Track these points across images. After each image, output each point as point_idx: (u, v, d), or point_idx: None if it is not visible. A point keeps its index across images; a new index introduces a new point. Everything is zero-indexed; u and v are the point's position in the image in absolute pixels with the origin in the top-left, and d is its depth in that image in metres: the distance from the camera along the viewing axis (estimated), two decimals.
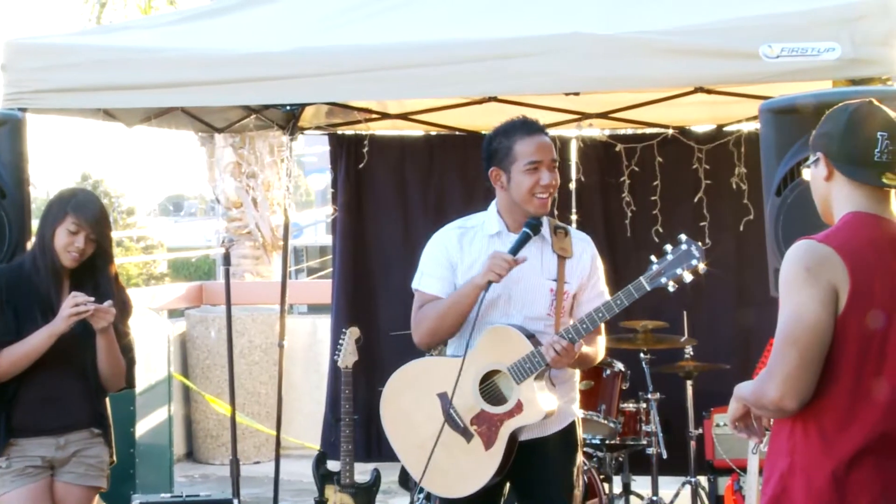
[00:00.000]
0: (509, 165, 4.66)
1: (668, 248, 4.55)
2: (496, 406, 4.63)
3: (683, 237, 4.55)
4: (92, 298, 4.70)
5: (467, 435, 4.62)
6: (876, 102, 3.56)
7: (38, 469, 4.78)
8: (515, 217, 4.71)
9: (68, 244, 4.79)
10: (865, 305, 3.27)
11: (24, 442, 4.77)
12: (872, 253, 3.35)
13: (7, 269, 4.98)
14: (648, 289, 4.55)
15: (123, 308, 4.94)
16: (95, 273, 4.89)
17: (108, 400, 5.01)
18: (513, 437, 4.63)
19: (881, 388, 3.28)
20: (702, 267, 4.47)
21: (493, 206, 4.83)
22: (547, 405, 4.66)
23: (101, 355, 4.82)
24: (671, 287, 4.52)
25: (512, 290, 4.66)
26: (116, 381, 4.94)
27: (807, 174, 3.61)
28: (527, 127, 4.72)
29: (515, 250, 4.59)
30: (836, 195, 3.50)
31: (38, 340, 4.70)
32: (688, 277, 4.51)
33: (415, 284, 4.85)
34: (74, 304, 4.65)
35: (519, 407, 4.61)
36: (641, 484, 7.16)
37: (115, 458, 5.00)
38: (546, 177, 4.63)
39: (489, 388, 4.66)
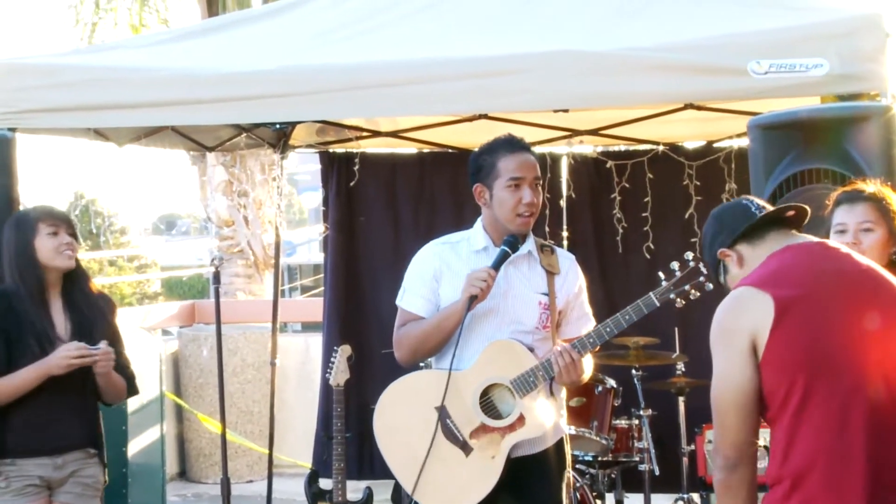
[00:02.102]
0: (492, 182, 4.67)
1: (676, 265, 4.58)
2: (497, 420, 4.62)
3: (690, 255, 4.58)
4: (97, 349, 4.74)
5: (466, 449, 4.61)
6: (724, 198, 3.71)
7: (36, 488, 4.78)
8: (500, 233, 4.72)
9: (57, 245, 4.82)
10: (794, 325, 3.27)
11: (21, 462, 4.76)
12: (797, 269, 3.37)
13: None
14: (658, 305, 4.58)
15: (115, 333, 4.95)
16: (81, 290, 4.92)
17: (102, 420, 5.01)
18: (511, 450, 4.63)
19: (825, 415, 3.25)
20: (709, 286, 4.49)
21: (479, 222, 4.83)
22: (548, 419, 4.66)
23: (101, 383, 4.87)
24: (679, 303, 4.55)
25: (500, 304, 4.66)
26: (118, 398, 5.01)
27: (730, 282, 3.58)
28: (510, 145, 4.74)
29: (496, 266, 4.61)
30: (753, 265, 3.49)
31: (29, 377, 4.71)
32: (695, 295, 4.53)
33: (398, 301, 4.86)
34: (77, 357, 4.69)
35: (521, 420, 4.61)
36: (634, 501, 7.16)
37: (107, 478, 4.99)
38: (528, 195, 4.64)
39: (487, 401, 4.65)
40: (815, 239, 3.49)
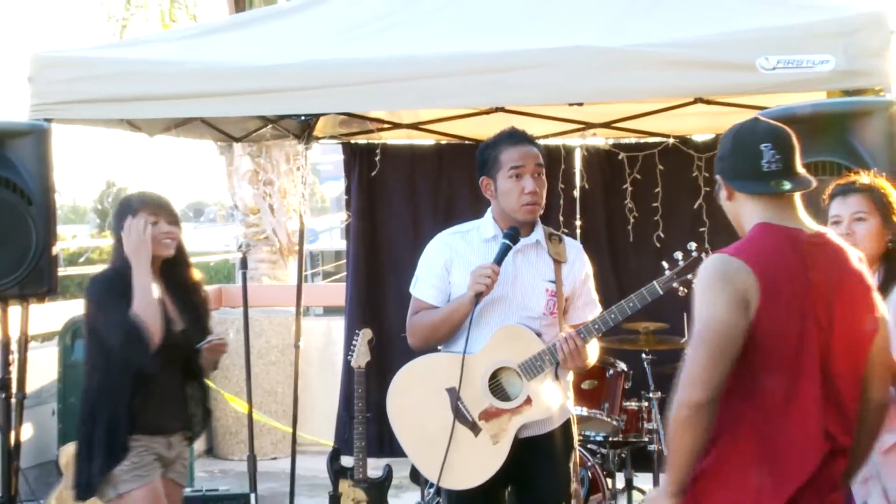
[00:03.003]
0: (496, 174, 4.70)
1: (679, 255, 4.58)
2: (505, 401, 4.63)
3: (693, 245, 4.59)
4: (219, 340, 4.93)
5: (475, 429, 4.62)
6: (761, 118, 3.60)
7: (158, 464, 4.86)
8: (508, 222, 4.73)
9: (157, 234, 4.84)
10: (776, 311, 3.32)
11: (145, 440, 4.81)
12: (779, 261, 3.39)
13: (110, 276, 4.93)
14: (661, 293, 4.59)
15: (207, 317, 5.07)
16: (178, 278, 4.97)
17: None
18: (518, 431, 4.64)
19: (802, 384, 3.33)
20: None
21: (489, 212, 4.85)
22: (554, 401, 4.67)
23: (207, 364, 4.99)
24: (682, 291, 4.54)
25: (509, 292, 4.68)
26: (210, 372, 5.12)
27: (720, 202, 3.62)
28: (511, 137, 4.76)
29: (499, 260, 4.62)
30: (741, 212, 3.54)
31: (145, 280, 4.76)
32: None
33: (411, 289, 4.89)
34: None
35: (528, 402, 4.63)
36: (643, 479, 7.15)
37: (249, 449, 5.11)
38: (529, 183, 4.65)
39: (496, 384, 4.65)
40: (802, 226, 3.48)
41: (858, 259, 3.53)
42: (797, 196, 3.49)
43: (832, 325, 3.37)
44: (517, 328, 4.66)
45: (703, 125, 7.69)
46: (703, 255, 4.49)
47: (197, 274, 5.08)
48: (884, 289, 3.95)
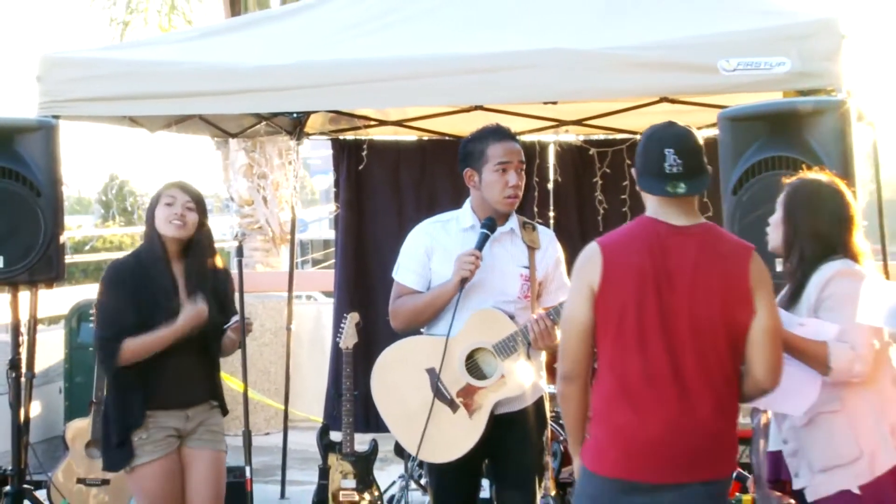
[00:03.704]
0: (481, 166, 4.69)
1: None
2: (480, 380, 4.65)
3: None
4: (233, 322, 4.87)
5: (453, 406, 4.64)
6: (675, 123, 3.74)
7: (172, 439, 4.82)
8: (487, 212, 4.73)
9: (168, 216, 4.80)
10: (615, 288, 3.60)
11: (159, 415, 4.80)
12: (633, 246, 3.64)
13: (126, 260, 4.98)
14: None
15: (229, 302, 5.03)
16: (197, 263, 4.92)
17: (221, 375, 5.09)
18: (494, 408, 4.66)
19: (641, 352, 3.58)
20: None
21: (467, 203, 4.84)
22: (527, 379, 4.69)
23: (230, 338, 4.93)
24: None
25: (487, 278, 4.67)
26: (232, 351, 5.04)
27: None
28: (498, 133, 4.76)
29: (479, 248, 4.63)
30: (646, 202, 3.75)
31: (162, 339, 4.73)
32: None
33: (394, 274, 4.88)
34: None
35: (502, 380, 4.64)
36: None
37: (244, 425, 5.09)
38: (513, 178, 4.67)
39: (472, 364, 4.67)
40: (681, 220, 3.66)
41: (746, 252, 3.67)
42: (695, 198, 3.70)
43: (684, 304, 3.57)
44: (491, 311, 4.67)
45: None
46: None
47: (219, 259, 5.05)
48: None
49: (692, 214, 3.71)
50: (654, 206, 3.71)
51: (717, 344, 3.58)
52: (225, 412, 5.02)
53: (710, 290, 3.59)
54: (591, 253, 3.68)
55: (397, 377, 4.75)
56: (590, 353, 3.70)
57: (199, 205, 4.90)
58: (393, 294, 4.86)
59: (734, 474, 3.68)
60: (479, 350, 4.67)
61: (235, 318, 4.84)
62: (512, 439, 4.72)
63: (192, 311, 4.72)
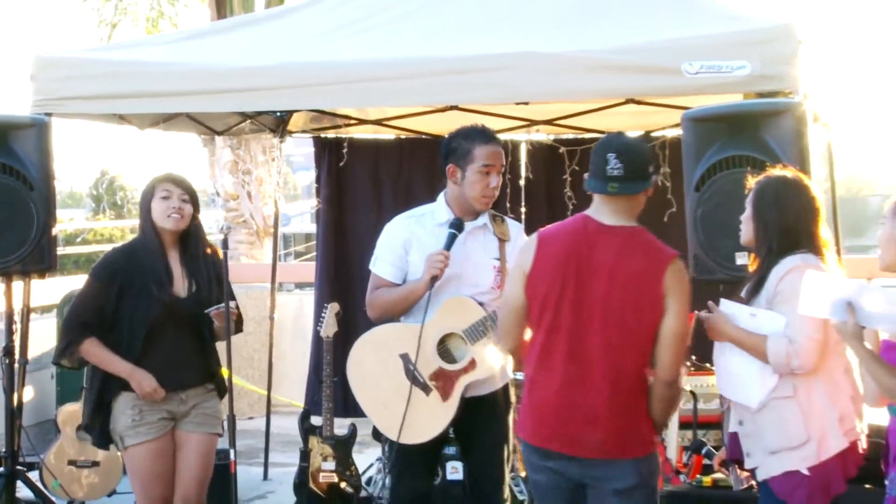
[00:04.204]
0: (466, 165, 4.68)
1: None
2: (452, 364, 4.65)
3: None
4: (217, 308, 4.81)
5: (426, 389, 4.64)
6: (625, 133, 3.99)
7: (165, 421, 4.81)
8: (462, 208, 4.73)
9: (165, 209, 4.78)
10: (541, 276, 3.90)
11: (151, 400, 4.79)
12: (564, 239, 3.93)
13: (121, 252, 4.96)
14: None
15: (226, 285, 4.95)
16: (192, 251, 4.90)
17: (219, 358, 5.04)
18: (464, 391, 4.68)
19: (558, 333, 3.86)
20: None
21: (441, 197, 4.84)
22: (496, 363, 4.70)
23: (218, 328, 4.88)
24: None
25: (462, 270, 4.69)
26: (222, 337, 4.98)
27: None
28: (486, 135, 4.75)
29: (448, 247, 4.64)
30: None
31: (116, 369, 4.76)
32: None
33: (371, 266, 4.87)
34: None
35: (472, 364, 4.67)
36: None
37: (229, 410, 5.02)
38: (494, 181, 4.69)
39: (444, 349, 4.68)
40: (611, 220, 3.91)
41: (666, 258, 3.87)
42: (632, 200, 3.93)
43: (599, 295, 3.82)
44: (462, 299, 4.68)
45: (634, 123, 7.71)
46: None
47: (210, 248, 5.01)
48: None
49: (624, 216, 3.92)
50: (594, 204, 3.96)
51: (624, 336, 3.80)
52: (222, 395, 4.99)
53: (624, 286, 3.81)
54: (530, 241, 4.02)
55: (372, 363, 4.74)
56: (522, 329, 4.02)
57: (193, 196, 4.90)
58: (371, 285, 4.85)
59: (643, 458, 3.87)
60: (450, 335, 4.68)
61: (219, 306, 4.82)
62: (481, 420, 4.74)
63: (147, 383, 4.74)
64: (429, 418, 4.65)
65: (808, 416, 3.85)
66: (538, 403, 3.90)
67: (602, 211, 3.92)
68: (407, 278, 4.76)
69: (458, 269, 4.68)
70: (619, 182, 3.85)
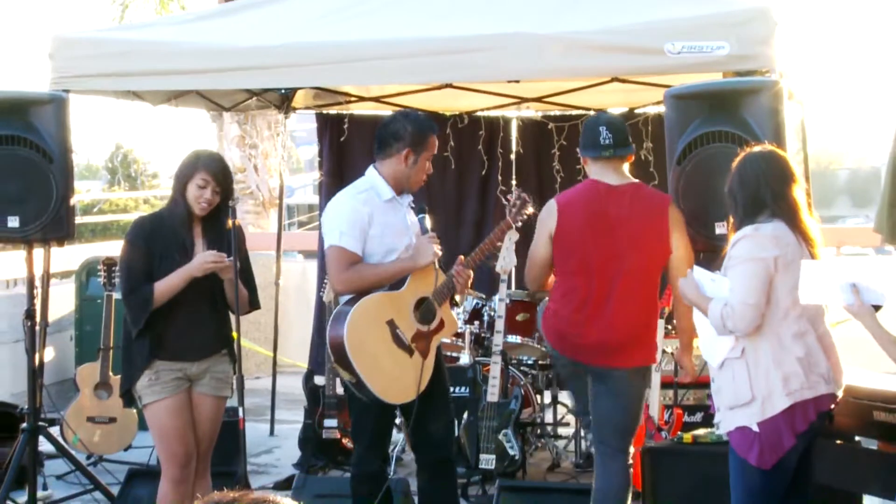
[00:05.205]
0: (420, 151, 4.68)
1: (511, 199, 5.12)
2: (426, 325, 4.66)
3: (516, 192, 5.16)
4: (224, 255, 4.73)
5: (410, 351, 4.62)
6: (608, 111, 4.30)
7: (180, 381, 4.77)
8: (399, 186, 4.72)
9: (198, 197, 4.74)
10: (566, 235, 4.63)
11: (166, 364, 4.75)
12: (582, 200, 4.68)
13: (149, 219, 4.94)
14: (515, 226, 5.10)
15: (245, 258, 4.91)
16: (215, 226, 4.84)
17: (232, 323, 4.97)
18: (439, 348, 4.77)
19: (584, 275, 4.63)
20: (531, 209, 5.04)
21: (374, 174, 4.76)
22: (455, 323, 4.98)
23: (230, 294, 4.82)
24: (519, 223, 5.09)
25: (411, 240, 4.73)
26: (243, 309, 4.92)
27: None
28: (434, 126, 4.82)
29: (426, 230, 4.70)
30: (588, 171, 4.74)
31: (177, 280, 4.69)
32: (523, 218, 5.07)
33: (335, 242, 4.67)
34: (212, 261, 4.70)
35: (441, 324, 4.73)
36: (566, 396, 7.20)
37: (236, 370, 4.93)
38: (429, 167, 4.79)
39: (419, 312, 4.67)
40: (616, 180, 4.65)
41: (665, 202, 4.67)
42: (623, 161, 4.68)
43: (620, 246, 4.57)
44: (429, 268, 4.69)
45: (618, 100, 7.71)
46: (525, 195, 5.12)
47: (230, 222, 4.93)
48: None
49: (623, 176, 4.69)
50: (594, 170, 4.70)
51: (641, 275, 4.62)
52: (233, 360, 4.96)
53: (640, 234, 4.59)
54: (550, 207, 4.70)
55: (365, 332, 4.62)
56: (547, 276, 4.81)
57: (226, 191, 4.83)
58: (341, 260, 4.64)
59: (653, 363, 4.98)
60: (423, 300, 4.69)
61: (229, 258, 4.77)
62: (433, 385, 4.74)
63: (210, 254, 4.72)
64: (414, 377, 4.62)
65: (755, 377, 3.88)
66: (570, 334, 4.69)
67: (605, 174, 4.66)
68: (364, 252, 4.67)
69: (409, 240, 4.72)
70: (612, 149, 4.62)
